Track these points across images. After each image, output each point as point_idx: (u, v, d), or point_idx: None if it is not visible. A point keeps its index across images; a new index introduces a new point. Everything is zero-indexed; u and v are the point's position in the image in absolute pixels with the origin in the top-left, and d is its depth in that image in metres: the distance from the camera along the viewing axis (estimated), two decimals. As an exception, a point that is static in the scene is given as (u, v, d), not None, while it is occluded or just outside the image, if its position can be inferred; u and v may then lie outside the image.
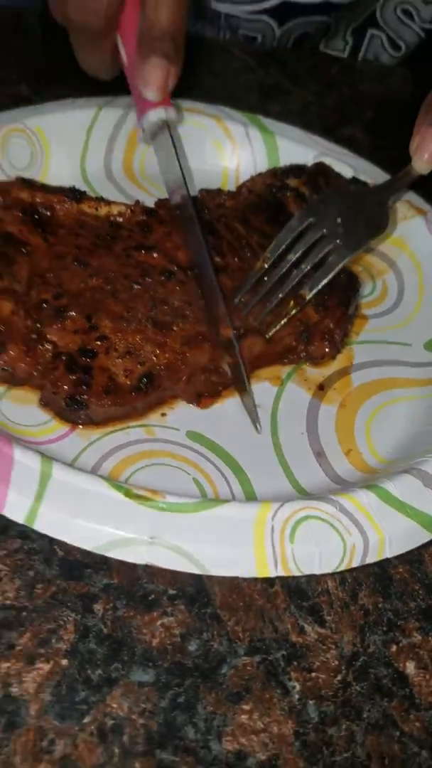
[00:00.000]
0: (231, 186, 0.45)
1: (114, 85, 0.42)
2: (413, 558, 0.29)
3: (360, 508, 0.28)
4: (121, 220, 0.38)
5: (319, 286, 0.35)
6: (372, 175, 0.45)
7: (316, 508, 0.27)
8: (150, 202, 0.39)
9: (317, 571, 0.26)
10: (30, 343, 0.32)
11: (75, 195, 0.38)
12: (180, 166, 0.39)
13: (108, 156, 0.44)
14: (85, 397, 0.31)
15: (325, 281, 0.35)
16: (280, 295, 0.35)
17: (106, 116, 0.43)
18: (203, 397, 0.34)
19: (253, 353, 0.35)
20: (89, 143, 0.44)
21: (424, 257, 0.41)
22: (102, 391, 0.31)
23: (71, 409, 0.31)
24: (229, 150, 0.47)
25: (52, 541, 0.27)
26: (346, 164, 0.45)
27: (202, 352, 0.33)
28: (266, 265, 0.36)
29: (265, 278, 0.35)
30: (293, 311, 0.35)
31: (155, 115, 0.39)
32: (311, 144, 0.46)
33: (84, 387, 0.31)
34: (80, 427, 0.32)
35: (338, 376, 0.37)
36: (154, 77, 0.38)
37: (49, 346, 0.33)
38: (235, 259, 0.38)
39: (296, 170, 0.43)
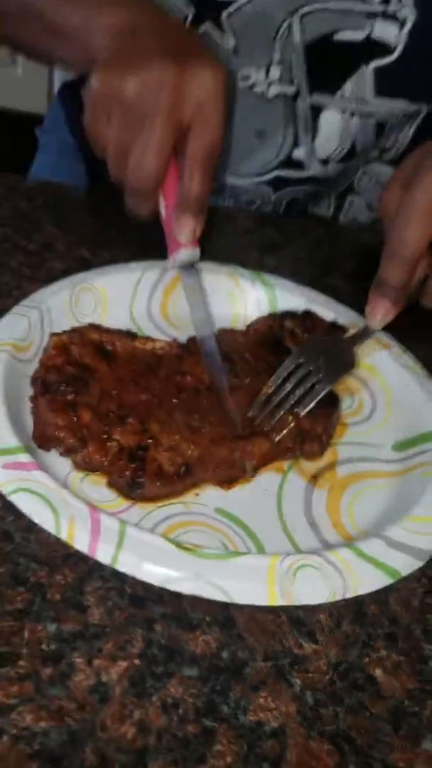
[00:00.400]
0: (240, 324, 0.57)
1: (150, 250, 0.56)
2: (381, 599, 0.40)
3: (340, 560, 0.38)
4: (162, 352, 0.50)
5: (310, 406, 0.47)
6: (348, 316, 0.56)
7: (310, 559, 0.39)
8: (179, 337, 0.52)
9: (310, 602, 0.37)
10: (102, 441, 0.44)
11: (129, 335, 0.50)
12: (204, 301, 0.51)
13: (149, 303, 0.56)
14: (141, 480, 0.42)
15: (313, 403, 0.48)
16: (281, 413, 0.47)
17: (148, 276, 0.55)
18: (226, 482, 0.46)
19: (262, 451, 0.47)
20: (136, 294, 0.55)
21: (389, 380, 0.52)
22: (153, 476, 0.42)
23: (132, 489, 0.43)
24: (239, 298, 0.58)
25: (124, 580, 0.38)
26: (328, 309, 0.57)
27: (224, 448, 0.45)
28: (269, 391, 0.48)
29: (270, 399, 0.48)
30: (291, 423, 0.48)
31: (186, 253, 0.51)
32: (301, 293, 0.58)
33: (140, 473, 0.42)
34: (137, 502, 0.44)
35: (327, 468, 0.48)
36: (187, 227, 0.50)
37: (114, 444, 0.43)
38: (247, 380, 0.50)
39: (290, 315, 0.55)
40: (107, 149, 0.49)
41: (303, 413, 0.47)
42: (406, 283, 0.50)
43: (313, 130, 0.69)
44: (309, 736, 0.33)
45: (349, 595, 0.38)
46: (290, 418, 0.47)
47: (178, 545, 0.38)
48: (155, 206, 0.51)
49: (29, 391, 0.46)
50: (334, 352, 0.51)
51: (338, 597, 0.38)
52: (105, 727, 0.32)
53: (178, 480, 0.43)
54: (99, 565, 0.38)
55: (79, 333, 0.49)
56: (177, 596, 0.38)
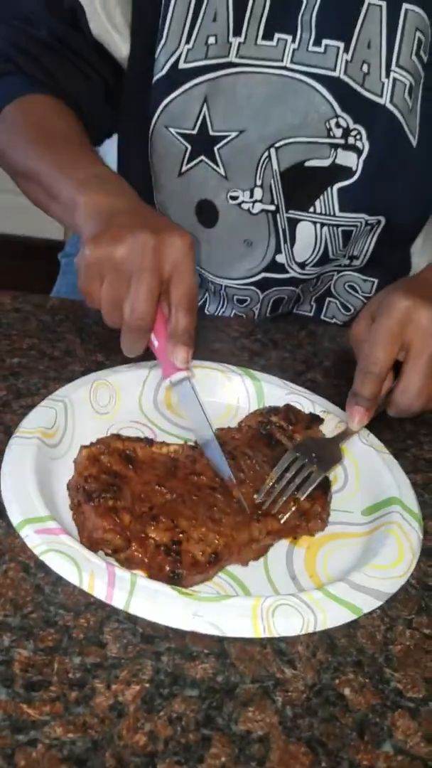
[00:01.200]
0: (232, 414, 0.66)
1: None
2: (349, 633, 0.47)
3: (312, 600, 0.46)
4: (176, 455, 0.56)
5: (307, 492, 0.55)
6: (326, 407, 0.66)
7: (287, 599, 0.46)
8: (180, 423, 0.62)
9: (288, 634, 0.45)
10: (142, 539, 0.49)
11: (147, 441, 0.56)
12: (202, 411, 0.58)
13: (155, 396, 0.66)
14: (181, 571, 0.48)
15: (310, 489, 0.55)
16: (284, 498, 0.54)
17: (154, 373, 0.65)
18: (246, 561, 0.52)
19: (273, 529, 0.53)
20: (144, 388, 0.65)
21: (358, 457, 0.61)
22: (189, 565, 0.48)
23: (172, 580, 0.47)
24: (231, 392, 0.67)
25: (136, 622, 0.46)
26: (308, 400, 0.67)
27: (243, 533, 0.51)
28: (271, 482, 0.55)
29: (274, 487, 0.55)
30: (293, 506, 0.54)
31: (181, 374, 0.59)
32: (285, 387, 0.67)
33: (179, 565, 0.47)
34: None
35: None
36: (181, 354, 0.58)
37: (151, 541, 0.49)
38: (250, 472, 0.56)
39: (274, 410, 0.63)
40: (102, 303, 0.58)
41: (303, 497, 0.55)
42: (376, 394, 0.59)
43: (291, 239, 0.82)
44: (289, 742, 0.41)
45: (320, 628, 0.46)
46: (292, 502, 0.54)
47: (180, 591, 0.46)
48: (146, 345, 0.60)
49: (56, 472, 0.55)
50: (324, 448, 0.60)
51: (310, 629, 0.45)
52: (121, 737, 0.40)
53: (210, 567, 0.49)
54: (115, 611, 0.46)
55: (105, 443, 0.55)
56: (180, 634, 0.45)
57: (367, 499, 0.59)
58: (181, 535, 0.49)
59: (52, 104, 0.77)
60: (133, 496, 0.52)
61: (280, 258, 0.83)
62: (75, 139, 0.74)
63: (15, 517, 0.50)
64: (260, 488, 0.55)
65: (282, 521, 0.54)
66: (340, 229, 0.81)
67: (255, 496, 0.55)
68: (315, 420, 0.65)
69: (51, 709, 0.41)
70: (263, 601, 0.46)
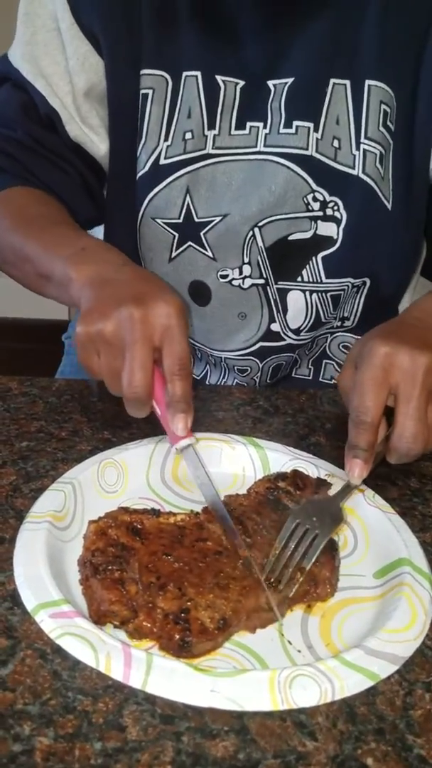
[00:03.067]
0: (239, 483, 0.67)
1: (160, 428, 0.67)
2: (369, 701, 0.47)
3: (328, 668, 0.46)
4: (183, 524, 0.56)
5: (313, 559, 0.54)
6: (330, 470, 0.67)
7: (303, 670, 0.46)
8: (190, 497, 0.62)
9: (306, 705, 0.44)
10: (149, 609, 0.49)
11: (154, 512, 0.57)
12: (207, 475, 0.60)
13: (162, 471, 0.67)
14: (190, 639, 0.47)
15: (315, 555, 0.55)
16: (290, 570, 0.54)
17: (159, 448, 0.67)
18: (254, 627, 0.51)
19: (281, 598, 0.53)
20: (150, 464, 0.66)
21: (366, 519, 0.61)
22: (198, 632, 0.47)
23: (182, 649, 0.47)
24: (236, 461, 0.68)
25: (155, 703, 0.45)
26: (312, 465, 0.68)
27: (251, 599, 0.51)
28: (277, 552, 0.55)
29: (279, 558, 0.55)
30: (300, 578, 0.54)
31: (185, 442, 0.60)
32: (289, 453, 0.68)
33: (188, 632, 0.47)
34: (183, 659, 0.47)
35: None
36: (181, 422, 0.59)
37: (159, 611, 0.49)
38: (258, 537, 0.56)
39: (282, 475, 0.64)
40: (102, 375, 0.60)
41: (308, 566, 0.54)
42: (372, 443, 0.59)
43: (283, 308, 0.84)
44: None
45: (338, 696, 0.45)
46: (299, 573, 0.54)
47: (195, 667, 0.46)
48: (150, 409, 0.61)
49: (67, 553, 0.55)
50: (325, 509, 0.60)
51: (328, 698, 0.45)
52: None
53: (219, 633, 0.48)
54: (134, 693, 0.46)
55: (112, 517, 0.55)
56: (199, 712, 0.45)
57: (377, 561, 0.58)
58: (189, 603, 0.49)
59: (33, 193, 0.80)
60: (141, 566, 0.52)
61: (275, 327, 0.85)
62: (58, 219, 0.77)
63: (29, 602, 0.50)
64: (269, 554, 0.55)
65: (291, 595, 0.54)
66: (328, 294, 0.84)
67: (264, 566, 0.55)
68: (322, 484, 0.65)
69: (74, 799, 0.40)
70: (280, 673, 0.46)
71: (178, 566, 0.52)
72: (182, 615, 0.48)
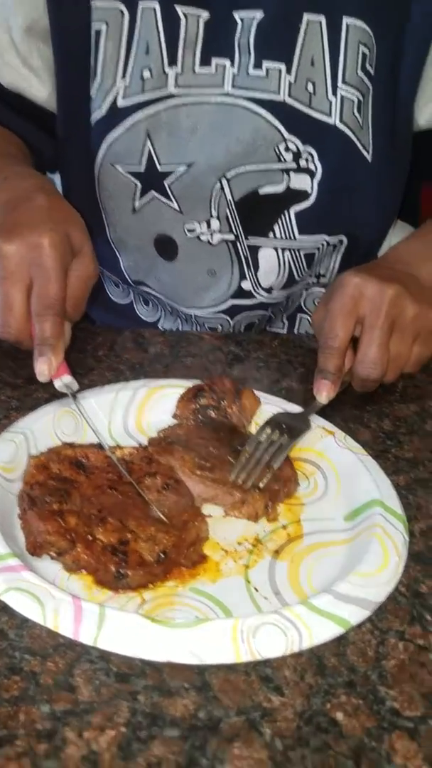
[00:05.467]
0: None
1: (122, 375, 0.62)
2: (339, 652, 0.42)
3: (295, 615, 0.41)
4: (130, 458, 0.54)
5: (281, 460, 0.54)
6: (295, 410, 0.63)
7: (268, 617, 0.41)
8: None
9: (271, 655, 0.40)
10: (88, 541, 0.47)
11: (100, 446, 0.54)
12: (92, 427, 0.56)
13: (125, 420, 0.63)
14: (125, 570, 0.45)
15: (284, 454, 0.55)
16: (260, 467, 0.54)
17: (122, 395, 0.61)
18: (193, 564, 0.48)
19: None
20: (113, 412, 0.62)
21: (337, 462, 0.57)
22: (136, 564, 0.45)
23: (118, 580, 0.45)
24: None
25: (109, 661, 0.41)
26: (281, 409, 0.62)
27: (192, 531, 0.49)
28: (248, 455, 0.54)
29: (249, 460, 0.54)
30: (269, 473, 0.53)
31: (57, 383, 0.57)
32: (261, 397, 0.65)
33: (124, 564, 0.45)
34: (121, 591, 0.46)
35: (288, 543, 0.51)
36: (44, 367, 0.56)
37: (98, 542, 0.47)
38: (213, 459, 0.54)
39: (200, 393, 0.61)
40: None
41: (276, 466, 0.54)
42: (340, 367, 0.59)
43: (255, 265, 0.78)
44: (279, 778, 0.35)
45: (306, 645, 0.41)
46: (267, 470, 0.54)
47: (152, 619, 0.41)
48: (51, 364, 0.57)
49: (16, 508, 0.50)
50: (292, 421, 0.59)
51: (295, 648, 0.40)
52: (96, 791, 0.34)
53: (159, 565, 0.46)
54: (86, 651, 0.41)
55: (55, 452, 0.53)
56: (157, 669, 0.40)
57: (348, 504, 0.54)
58: (129, 535, 0.47)
59: None
60: (83, 499, 0.50)
61: (246, 285, 0.79)
62: (2, 152, 0.72)
63: (-26, 557, 0.45)
64: (228, 472, 0.54)
65: (261, 486, 0.53)
66: (302, 252, 0.77)
67: (235, 473, 0.53)
68: (239, 389, 0.62)
69: (17, 766, 0.35)
70: (243, 622, 0.41)
71: (121, 499, 0.50)
72: (121, 546, 0.46)
